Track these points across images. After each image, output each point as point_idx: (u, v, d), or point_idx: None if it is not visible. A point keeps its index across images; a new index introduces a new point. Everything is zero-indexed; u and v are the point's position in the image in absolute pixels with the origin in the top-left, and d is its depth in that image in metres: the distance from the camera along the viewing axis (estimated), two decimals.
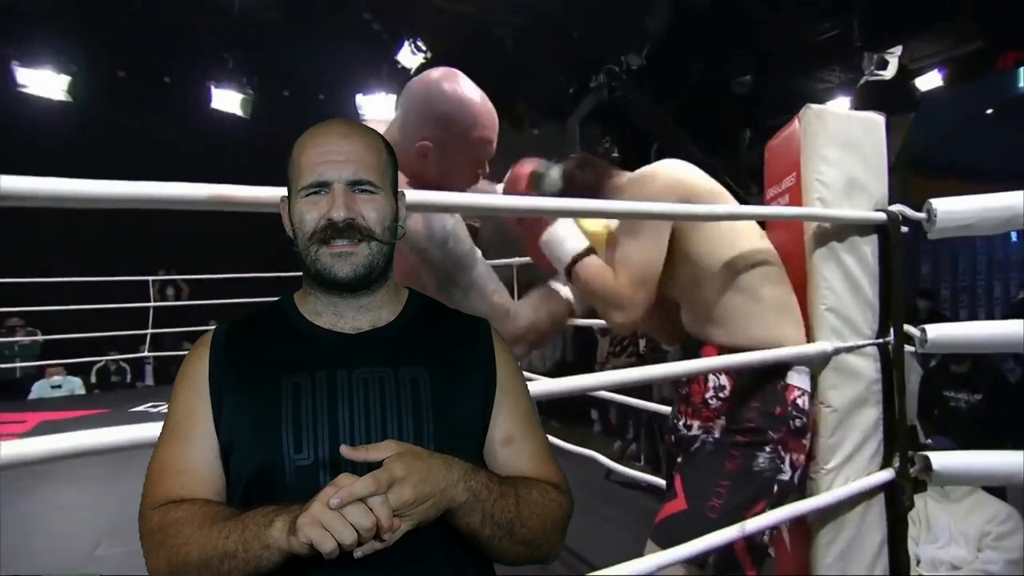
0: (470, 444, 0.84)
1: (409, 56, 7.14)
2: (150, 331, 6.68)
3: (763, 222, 1.76)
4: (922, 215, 1.67)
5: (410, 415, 0.80)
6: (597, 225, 1.71)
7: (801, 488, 1.62)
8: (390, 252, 0.85)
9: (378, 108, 7.62)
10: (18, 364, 6.91)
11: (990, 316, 7.62)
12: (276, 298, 0.91)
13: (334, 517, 0.65)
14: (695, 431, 1.62)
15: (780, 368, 1.56)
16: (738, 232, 1.62)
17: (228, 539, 0.70)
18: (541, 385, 1.39)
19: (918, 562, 2.47)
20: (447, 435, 0.80)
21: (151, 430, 0.97)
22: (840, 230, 1.67)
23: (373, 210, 0.82)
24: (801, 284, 1.67)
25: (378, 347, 0.84)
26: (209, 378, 0.83)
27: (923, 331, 1.66)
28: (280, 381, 0.80)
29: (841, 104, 7.14)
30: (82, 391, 6.55)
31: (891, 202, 1.72)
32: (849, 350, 1.64)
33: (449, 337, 0.89)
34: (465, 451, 0.78)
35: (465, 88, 1.43)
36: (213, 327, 0.89)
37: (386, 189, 0.85)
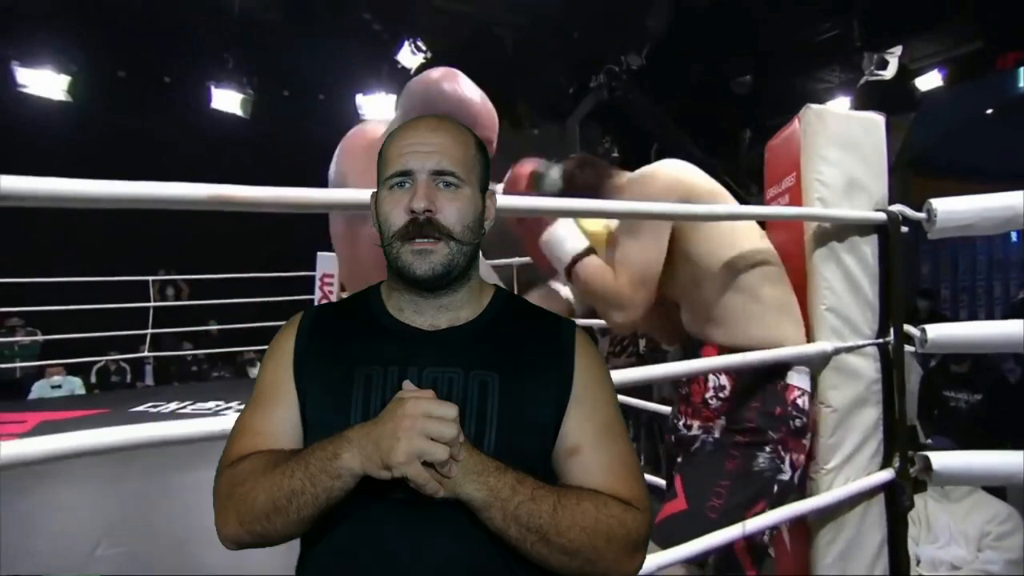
0: (534, 454, 0.82)
1: (409, 56, 7.13)
2: (150, 331, 6.66)
3: (763, 222, 1.76)
4: (922, 215, 1.67)
5: (473, 420, 0.79)
6: (597, 225, 1.71)
7: (801, 488, 1.62)
8: (472, 251, 0.84)
9: (378, 108, 7.59)
10: (18, 364, 6.90)
11: (990, 316, 7.62)
12: (368, 286, 0.93)
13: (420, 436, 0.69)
14: (695, 431, 1.62)
15: (780, 368, 1.56)
16: (738, 232, 1.62)
17: (292, 478, 0.72)
18: None
19: (918, 562, 2.47)
20: (508, 444, 0.79)
21: (151, 430, 0.97)
22: (840, 230, 1.67)
23: (454, 208, 0.81)
24: (801, 284, 1.67)
25: (451, 346, 0.84)
26: (294, 362, 0.85)
27: (923, 331, 1.66)
28: (354, 372, 0.82)
29: (841, 104, 7.12)
30: (82, 391, 6.54)
31: (891, 202, 1.73)
32: (849, 350, 1.64)
33: (527, 340, 0.87)
34: (525, 462, 0.77)
35: (465, 88, 1.43)
36: (302, 311, 0.91)
37: (472, 184, 0.84)
